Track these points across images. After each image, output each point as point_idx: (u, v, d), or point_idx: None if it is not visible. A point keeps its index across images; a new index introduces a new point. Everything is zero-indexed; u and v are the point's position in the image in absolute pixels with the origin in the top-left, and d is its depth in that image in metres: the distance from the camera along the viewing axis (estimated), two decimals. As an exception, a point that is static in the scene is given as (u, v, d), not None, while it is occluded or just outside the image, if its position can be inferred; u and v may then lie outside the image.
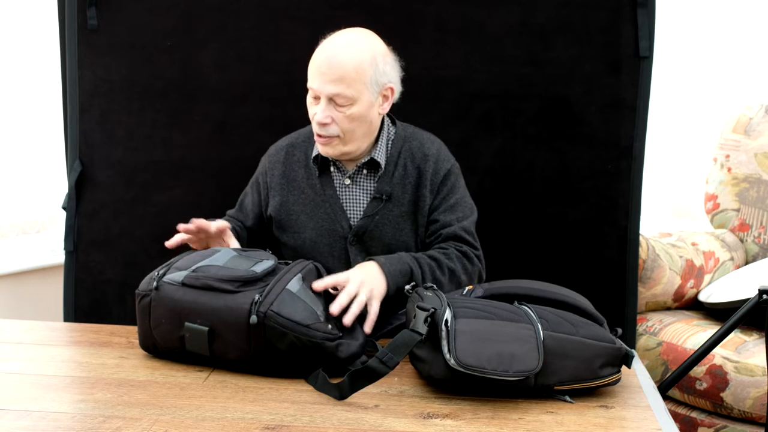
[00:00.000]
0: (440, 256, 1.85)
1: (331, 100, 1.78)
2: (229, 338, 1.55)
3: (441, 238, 1.90)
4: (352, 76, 1.77)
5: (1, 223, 2.77)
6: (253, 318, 1.51)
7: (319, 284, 1.64)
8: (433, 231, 1.91)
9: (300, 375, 1.56)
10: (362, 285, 1.70)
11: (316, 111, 1.80)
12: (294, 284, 1.59)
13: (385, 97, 1.86)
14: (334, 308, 1.62)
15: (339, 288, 1.68)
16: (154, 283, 1.61)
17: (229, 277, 1.57)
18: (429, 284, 1.64)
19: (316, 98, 1.81)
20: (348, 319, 1.63)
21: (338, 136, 1.82)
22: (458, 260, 1.86)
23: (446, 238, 1.89)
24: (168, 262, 1.68)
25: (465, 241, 1.90)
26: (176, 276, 1.61)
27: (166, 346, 1.63)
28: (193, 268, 1.61)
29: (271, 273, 1.62)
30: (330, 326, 1.57)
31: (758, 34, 3.02)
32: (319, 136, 1.83)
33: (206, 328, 1.55)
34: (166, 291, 1.59)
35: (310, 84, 1.81)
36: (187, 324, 1.57)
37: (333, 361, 1.56)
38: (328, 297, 1.66)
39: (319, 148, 1.87)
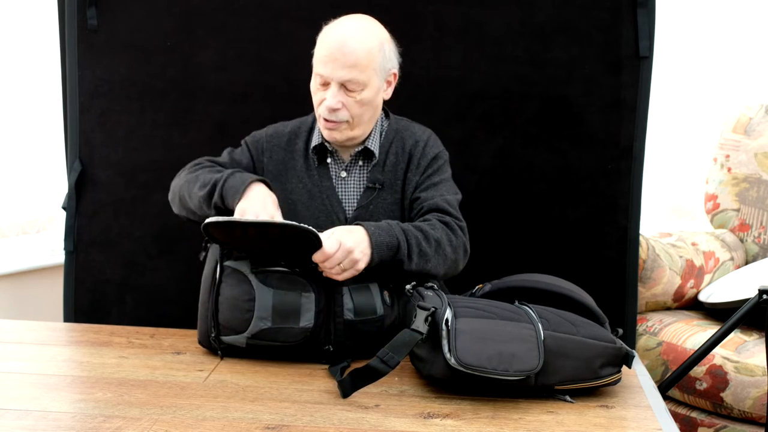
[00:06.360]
0: (426, 227, 1.79)
1: (342, 85, 1.79)
2: None
3: (423, 210, 1.86)
4: (364, 62, 1.78)
5: (1, 223, 2.77)
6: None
7: (318, 258, 1.64)
8: (415, 207, 1.88)
9: None
10: (348, 254, 1.66)
11: (326, 96, 1.81)
12: None
13: (389, 83, 1.89)
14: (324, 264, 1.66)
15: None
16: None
17: None
18: (429, 284, 1.64)
19: (325, 84, 1.81)
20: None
21: (347, 122, 1.83)
22: (442, 230, 1.80)
23: (429, 209, 1.85)
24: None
25: (447, 213, 1.85)
26: None
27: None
28: None
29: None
30: None
31: (758, 34, 3.02)
32: (327, 121, 1.83)
33: None
34: None
35: (319, 71, 1.80)
36: None
37: None
38: None
39: (325, 134, 1.87)
